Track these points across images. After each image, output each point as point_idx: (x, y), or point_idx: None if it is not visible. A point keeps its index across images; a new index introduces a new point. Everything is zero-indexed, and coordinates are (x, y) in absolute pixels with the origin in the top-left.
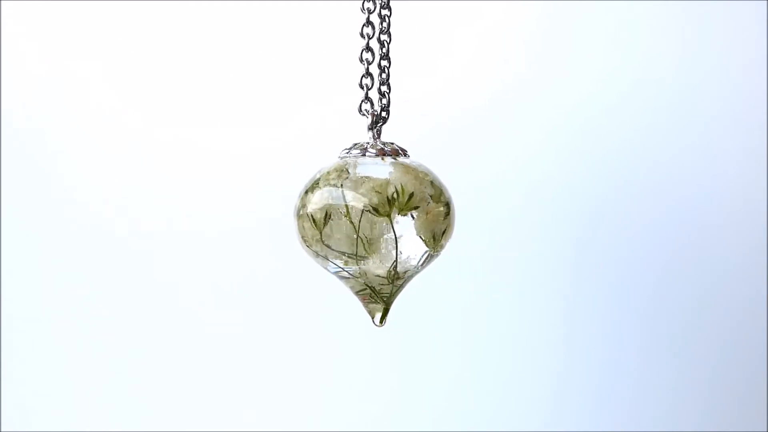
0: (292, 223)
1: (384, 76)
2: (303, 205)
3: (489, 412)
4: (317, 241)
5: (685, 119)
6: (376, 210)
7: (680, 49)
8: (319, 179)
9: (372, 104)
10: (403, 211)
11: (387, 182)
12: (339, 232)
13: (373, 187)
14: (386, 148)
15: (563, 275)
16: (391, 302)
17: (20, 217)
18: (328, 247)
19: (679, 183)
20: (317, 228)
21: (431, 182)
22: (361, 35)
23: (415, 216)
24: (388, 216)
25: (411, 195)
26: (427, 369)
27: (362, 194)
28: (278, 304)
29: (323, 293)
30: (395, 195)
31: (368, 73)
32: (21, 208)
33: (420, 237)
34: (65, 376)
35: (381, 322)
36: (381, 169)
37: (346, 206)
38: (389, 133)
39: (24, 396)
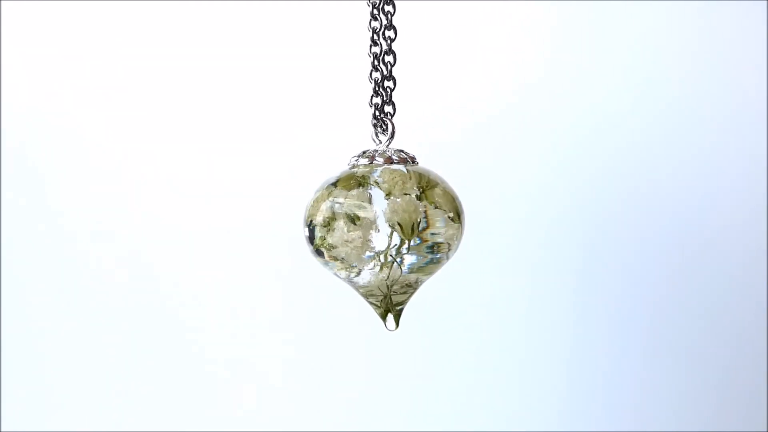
0: (304, 233)
1: (391, 85)
2: (371, 216)
3: (496, 415)
4: (357, 248)
5: (697, 127)
6: (457, 217)
7: (694, 59)
8: (389, 188)
9: (386, 114)
10: (459, 218)
11: (452, 194)
12: (379, 240)
13: (453, 197)
14: (394, 157)
15: (571, 282)
16: (404, 307)
17: (22, 221)
18: (357, 256)
19: (689, 189)
20: (405, 236)
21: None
22: (373, 41)
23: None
24: (460, 224)
25: (459, 203)
26: (434, 373)
27: (446, 202)
28: (286, 309)
29: (329, 299)
30: (459, 204)
31: (381, 85)
32: (22, 210)
33: (457, 242)
34: (66, 377)
35: (396, 326)
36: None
37: (427, 214)
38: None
39: (24, 396)
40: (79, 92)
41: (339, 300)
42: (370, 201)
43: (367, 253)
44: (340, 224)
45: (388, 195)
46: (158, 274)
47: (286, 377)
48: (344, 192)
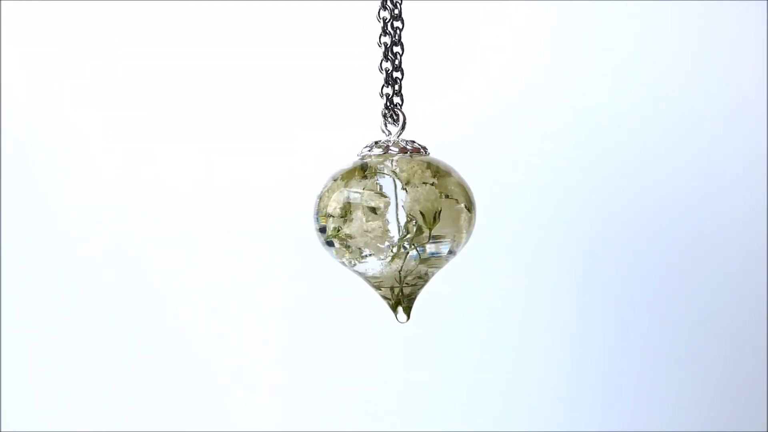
0: (315, 224)
1: (400, 76)
2: (396, 204)
3: (496, 415)
4: (377, 237)
5: (697, 127)
6: (467, 209)
7: (694, 59)
8: (407, 177)
9: (396, 106)
10: (471, 209)
11: (464, 184)
12: (394, 229)
13: (465, 187)
14: (407, 147)
15: (572, 281)
16: (415, 298)
17: (24, 220)
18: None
19: (689, 189)
20: (427, 225)
21: None
22: (384, 31)
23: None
24: (472, 214)
25: (471, 193)
26: (435, 372)
27: (458, 192)
28: (286, 309)
29: (330, 299)
30: (471, 195)
31: (391, 76)
32: (25, 211)
33: (469, 233)
34: (66, 377)
35: (407, 318)
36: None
37: (461, 203)
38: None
39: (24, 396)
40: (79, 92)
41: (340, 300)
42: (382, 191)
43: (387, 243)
44: (359, 214)
45: (406, 184)
46: (158, 275)
47: (286, 377)
48: (361, 182)
